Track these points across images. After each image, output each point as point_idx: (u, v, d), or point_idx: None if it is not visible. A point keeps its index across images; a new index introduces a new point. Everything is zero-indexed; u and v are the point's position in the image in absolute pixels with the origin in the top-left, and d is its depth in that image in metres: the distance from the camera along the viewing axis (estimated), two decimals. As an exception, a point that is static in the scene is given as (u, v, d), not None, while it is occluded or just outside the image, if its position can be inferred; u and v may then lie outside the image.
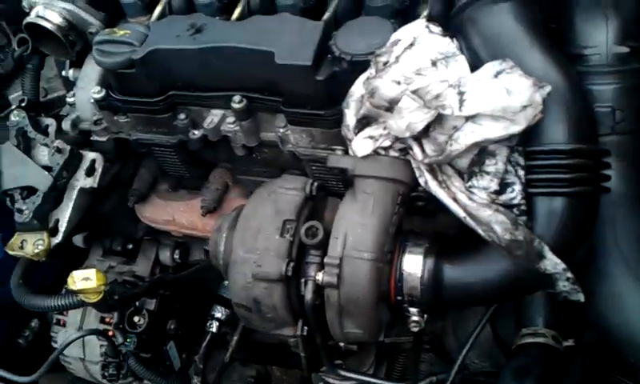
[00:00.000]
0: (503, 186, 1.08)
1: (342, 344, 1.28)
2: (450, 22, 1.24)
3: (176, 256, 1.80)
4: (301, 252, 1.19)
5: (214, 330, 1.84)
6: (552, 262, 1.05)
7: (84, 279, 1.23)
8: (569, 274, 1.06)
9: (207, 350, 1.86)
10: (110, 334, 1.67)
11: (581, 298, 1.07)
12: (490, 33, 1.17)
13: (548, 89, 1.02)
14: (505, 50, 1.12)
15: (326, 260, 1.13)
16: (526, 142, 1.08)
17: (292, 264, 1.16)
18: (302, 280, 1.18)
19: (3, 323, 1.98)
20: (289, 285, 1.17)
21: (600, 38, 1.22)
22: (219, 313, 1.85)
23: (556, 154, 1.08)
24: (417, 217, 1.39)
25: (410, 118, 1.05)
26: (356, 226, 1.13)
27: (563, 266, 1.05)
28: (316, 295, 1.16)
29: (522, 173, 1.08)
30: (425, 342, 1.65)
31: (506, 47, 1.13)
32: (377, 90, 1.09)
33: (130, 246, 1.84)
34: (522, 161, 1.08)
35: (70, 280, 1.23)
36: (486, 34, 1.17)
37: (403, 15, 1.36)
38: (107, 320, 1.70)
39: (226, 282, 1.81)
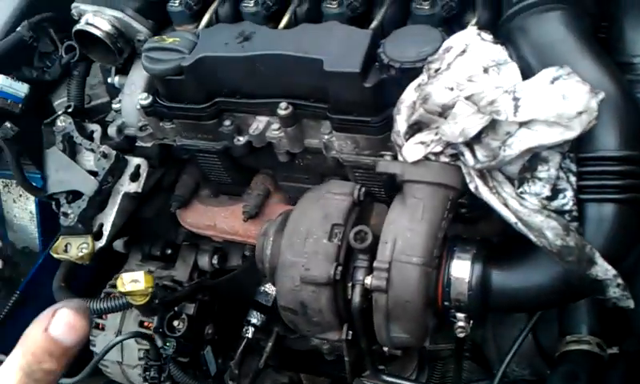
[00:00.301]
0: (555, 192, 1.08)
1: (385, 349, 1.28)
2: (499, 30, 1.25)
3: (214, 261, 1.82)
4: (348, 256, 1.20)
5: (249, 335, 1.84)
6: (603, 268, 1.05)
7: (133, 281, 1.25)
8: (619, 281, 1.05)
9: (242, 356, 1.87)
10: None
11: (631, 304, 1.07)
12: (540, 41, 1.18)
13: (602, 95, 1.02)
14: (556, 58, 1.12)
15: (375, 264, 1.13)
16: (577, 148, 1.09)
17: (340, 268, 1.17)
18: (350, 284, 1.19)
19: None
20: (336, 289, 1.18)
21: (650, 46, 1.23)
22: (255, 319, 1.86)
23: (607, 161, 1.09)
24: (459, 224, 1.40)
25: (464, 123, 1.06)
26: (405, 230, 1.13)
27: (614, 272, 1.05)
28: (363, 299, 1.16)
29: (573, 179, 1.08)
30: (465, 350, 1.65)
31: (557, 55, 1.14)
32: (430, 95, 1.10)
33: (169, 251, 1.86)
34: (573, 167, 1.08)
35: (118, 282, 1.25)
36: (537, 42, 1.19)
37: (450, 23, 1.39)
38: (146, 324, 1.71)
39: (262, 288, 1.86)
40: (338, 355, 1.92)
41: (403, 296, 1.12)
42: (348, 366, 1.27)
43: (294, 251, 1.20)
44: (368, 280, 1.14)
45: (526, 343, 1.43)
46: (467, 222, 1.42)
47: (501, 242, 1.31)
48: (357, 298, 1.16)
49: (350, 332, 1.22)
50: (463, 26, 1.30)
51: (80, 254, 1.53)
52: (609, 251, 1.06)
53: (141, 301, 1.30)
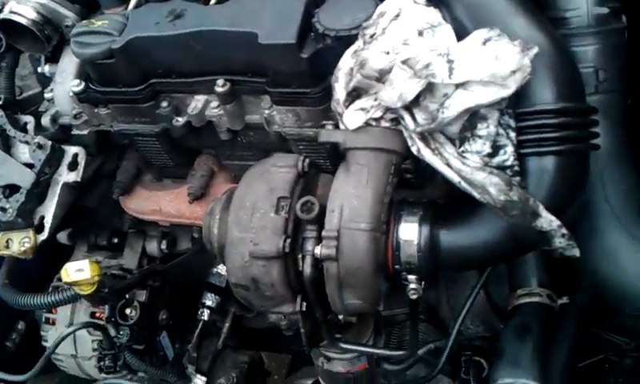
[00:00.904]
0: (496, 149, 1.09)
1: (341, 317, 1.29)
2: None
3: (163, 246, 1.79)
4: (296, 228, 1.19)
5: (205, 317, 1.83)
6: (547, 220, 1.07)
7: (77, 271, 1.22)
8: (563, 231, 1.08)
9: (200, 338, 1.86)
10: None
11: (576, 253, 1.10)
12: (473, 1, 1.19)
13: (535, 50, 1.03)
14: (490, 17, 1.13)
15: (323, 233, 1.13)
16: (515, 104, 1.10)
17: (289, 240, 1.16)
18: (300, 255, 1.18)
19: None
20: (286, 261, 1.17)
21: (580, 0, 1.24)
22: (210, 300, 1.85)
23: (544, 114, 1.10)
24: (404, 190, 1.40)
25: (401, 87, 1.06)
26: (351, 197, 1.13)
27: (558, 222, 1.07)
28: (314, 269, 1.16)
29: (513, 134, 1.09)
30: (419, 312, 1.67)
31: (490, 14, 1.15)
32: (366, 61, 1.10)
33: (116, 240, 1.82)
34: (512, 123, 1.10)
35: (63, 272, 1.22)
36: (470, 3, 1.18)
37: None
38: (98, 315, 1.68)
39: (215, 269, 1.84)
40: (297, 330, 1.94)
41: (353, 263, 1.12)
42: (304, 337, 1.27)
43: (241, 227, 1.19)
44: (318, 250, 1.14)
45: (478, 301, 1.46)
46: (413, 187, 1.42)
47: (447, 203, 1.32)
48: (308, 268, 1.16)
49: (304, 303, 1.22)
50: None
51: (22, 249, 1.49)
52: (551, 202, 1.09)
53: (88, 290, 1.27)
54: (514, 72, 1.01)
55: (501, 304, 1.59)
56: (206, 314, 1.83)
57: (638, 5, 1.32)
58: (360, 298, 1.17)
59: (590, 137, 1.14)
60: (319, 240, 1.15)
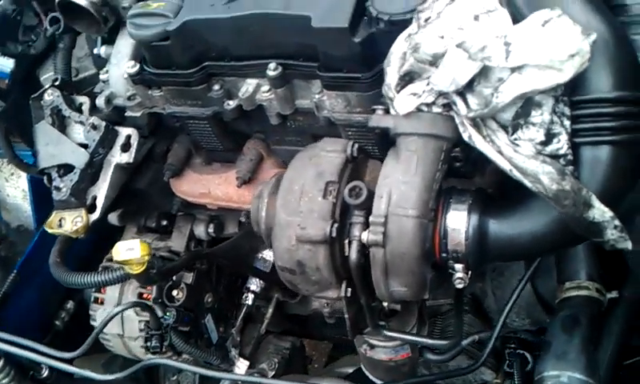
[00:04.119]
0: (549, 137, 1.07)
1: (385, 304, 1.28)
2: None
3: (210, 230, 1.81)
4: (344, 213, 1.19)
5: (249, 302, 1.85)
6: (600, 211, 1.04)
7: (128, 250, 1.24)
8: (616, 222, 1.05)
9: (243, 323, 1.87)
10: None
11: (629, 245, 1.07)
12: None
13: (594, 36, 1.01)
14: (546, 2, 1.10)
15: (371, 219, 1.13)
16: (571, 91, 1.07)
17: (336, 225, 1.16)
18: (346, 241, 1.18)
19: (40, 305, 2.01)
20: (333, 246, 1.18)
21: (641, -13, 1.21)
22: (254, 285, 1.86)
23: (601, 103, 1.07)
24: (453, 178, 1.39)
25: (455, 71, 1.05)
26: (400, 184, 1.13)
27: (611, 213, 1.04)
28: (361, 255, 1.16)
29: (567, 123, 1.07)
30: (464, 304, 1.65)
31: (547, -1, 1.12)
32: (420, 45, 1.09)
33: (165, 223, 1.85)
34: (567, 111, 1.07)
35: (114, 251, 1.24)
36: None
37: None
38: (145, 296, 1.71)
39: (260, 255, 1.85)
40: (339, 318, 1.93)
41: (400, 249, 1.11)
42: (348, 322, 1.27)
43: (289, 210, 1.19)
44: (365, 235, 1.14)
45: (524, 293, 1.43)
46: (461, 176, 1.40)
47: (496, 193, 1.30)
48: (354, 254, 1.15)
49: (349, 289, 1.22)
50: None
51: (75, 228, 1.52)
52: (605, 193, 1.06)
53: (137, 269, 1.29)
54: (572, 56, 0.99)
55: (547, 297, 1.56)
56: (250, 299, 1.85)
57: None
58: (405, 285, 1.16)
59: (648, 128, 1.10)
60: (366, 225, 1.15)
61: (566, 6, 1.09)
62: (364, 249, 1.16)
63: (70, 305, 2.08)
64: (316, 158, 1.23)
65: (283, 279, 1.26)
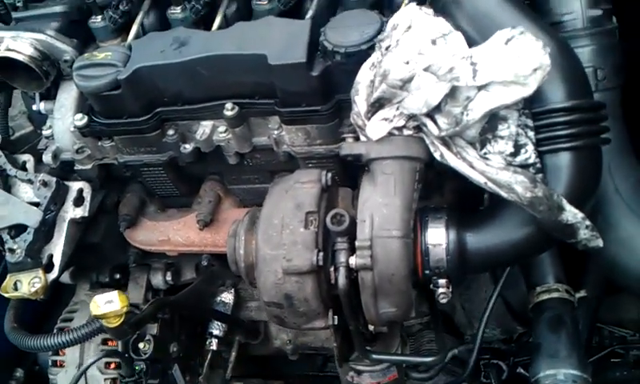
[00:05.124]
0: (517, 148, 1.13)
1: (371, 328, 1.30)
2: (433, 6, 1.29)
3: (168, 278, 1.77)
4: (326, 241, 1.20)
5: (214, 347, 1.81)
6: (571, 213, 1.11)
7: (107, 302, 1.20)
8: (587, 222, 1.12)
9: (209, 369, 1.83)
10: (113, 366, 1.64)
11: (600, 243, 1.14)
12: (475, 12, 1.23)
13: (549, 48, 1.08)
14: (494, 26, 1.17)
15: (357, 243, 1.15)
16: (530, 104, 1.14)
17: (321, 254, 1.17)
18: (332, 268, 1.19)
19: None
20: (319, 275, 1.19)
21: (575, 4, 1.31)
22: (216, 330, 1.82)
23: (556, 112, 1.15)
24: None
25: (427, 93, 1.10)
26: (381, 206, 1.15)
27: (582, 214, 1.11)
28: (348, 280, 1.17)
29: (531, 133, 1.14)
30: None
31: (495, 22, 1.19)
32: (389, 71, 1.13)
33: (118, 276, 1.80)
34: (530, 122, 1.14)
35: (92, 305, 1.20)
36: (473, 13, 1.24)
37: (379, 5, 1.42)
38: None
39: (219, 298, 1.83)
40: (302, 354, 1.93)
41: (388, 270, 1.14)
42: (336, 351, 1.28)
43: (271, 245, 1.19)
44: (352, 260, 1.15)
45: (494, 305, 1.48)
46: (420, 198, 1.45)
47: (465, 208, 1.35)
48: (342, 279, 1.17)
49: (336, 317, 1.23)
50: (393, 7, 1.35)
51: (33, 290, 1.45)
52: (572, 197, 1.13)
53: (115, 322, 1.24)
54: (535, 70, 1.05)
55: (515, 306, 1.62)
56: (214, 344, 1.81)
57: (627, 5, 1.40)
58: (395, 306, 1.18)
59: (601, 131, 1.19)
60: (351, 251, 1.17)
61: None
62: (350, 274, 1.17)
63: (19, 373, 1.97)
64: (292, 191, 1.24)
65: (269, 315, 1.25)
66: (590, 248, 1.14)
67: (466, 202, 1.40)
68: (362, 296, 1.17)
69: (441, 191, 1.49)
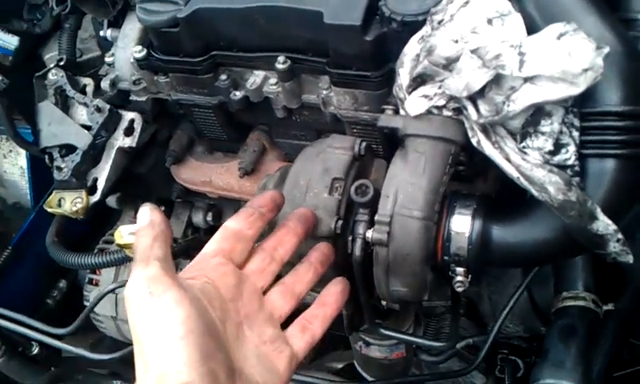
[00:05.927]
0: (557, 147, 1.08)
1: (384, 303, 1.29)
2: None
3: (209, 218, 1.81)
4: (348, 210, 1.19)
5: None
6: (604, 223, 1.05)
7: (131, 234, 1.23)
8: (619, 236, 1.06)
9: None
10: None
11: (630, 259, 1.08)
12: None
13: (606, 50, 1.01)
14: (559, 13, 1.10)
15: (376, 217, 1.13)
16: (581, 103, 1.08)
17: (341, 222, 1.17)
18: (350, 238, 1.18)
19: (33, 282, 2.01)
20: (336, 243, 1.18)
21: (652, 3, 1.22)
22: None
23: (609, 116, 1.08)
24: (454, 182, 1.40)
25: (469, 77, 1.05)
26: (407, 184, 1.13)
27: (614, 227, 1.05)
28: (364, 252, 1.16)
29: (576, 134, 1.08)
30: (459, 307, 1.66)
31: (561, 10, 1.12)
32: (434, 47, 1.09)
33: (163, 208, 1.84)
34: (576, 122, 1.08)
35: (116, 234, 1.24)
36: None
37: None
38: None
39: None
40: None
41: (404, 249, 1.12)
42: (346, 319, 1.28)
43: (294, 205, 1.19)
44: (369, 234, 1.14)
45: (520, 300, 1.44)
46: (463, 180, 1.42)
47: (500, 199, 1.31)
48: (357, 251, 1.16)
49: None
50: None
51: (74, 209, 1.51)
52: (609, 206, 1.06)
53: (138, 254, 1.28)
54: (585, 71, 0.99)
55: (542, 306, 1.57)
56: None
57: None
58: (406, 286, 1.16)
59: (655, 143, 1.11)
60: (371, 224, 1.15)
61: (579, 19, 1.09)
62: (367, 247, 1.16)
63: (62, 284, 2.07)
64: (323, 154, 1.23)
65: (283, 274, 1.26)
66: (619, 262, 1.08)
67: (509, 193, 1.35)
68: (374, 271, 1.16)
69: (485, 177, 1.44)
